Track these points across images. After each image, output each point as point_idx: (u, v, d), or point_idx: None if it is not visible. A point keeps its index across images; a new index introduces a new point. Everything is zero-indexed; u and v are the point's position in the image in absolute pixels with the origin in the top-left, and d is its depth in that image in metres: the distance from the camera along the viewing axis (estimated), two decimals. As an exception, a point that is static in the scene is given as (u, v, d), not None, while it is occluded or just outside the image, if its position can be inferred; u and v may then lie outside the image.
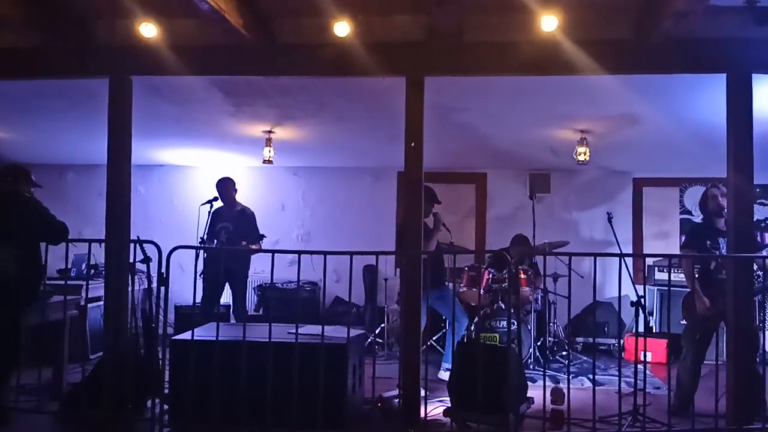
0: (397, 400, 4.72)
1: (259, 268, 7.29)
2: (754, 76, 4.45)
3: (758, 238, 7.50)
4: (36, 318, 4.69)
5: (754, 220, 4.99)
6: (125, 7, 4.46)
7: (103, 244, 4.81)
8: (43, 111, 6.56)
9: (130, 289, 4.76)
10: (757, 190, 7.29)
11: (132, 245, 4.70)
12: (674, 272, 5.90)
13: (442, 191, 8.68)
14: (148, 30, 4.49)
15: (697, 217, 7.32)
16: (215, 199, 6.86)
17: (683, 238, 7.85)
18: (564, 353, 7.01)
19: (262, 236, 6.82)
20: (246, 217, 6.93)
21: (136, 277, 4.86)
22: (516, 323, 5.66)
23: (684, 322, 5.23)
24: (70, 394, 4.85)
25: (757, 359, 4.67)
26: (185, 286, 5.09)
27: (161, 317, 4.53)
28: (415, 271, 4.62)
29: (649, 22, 4.29)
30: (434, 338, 7.47)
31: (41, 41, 4.81)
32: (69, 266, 5.39)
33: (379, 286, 7.93)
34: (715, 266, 4.97)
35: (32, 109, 6.46)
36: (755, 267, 4.82)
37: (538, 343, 6.94)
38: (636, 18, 4.43)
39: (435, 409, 4.75)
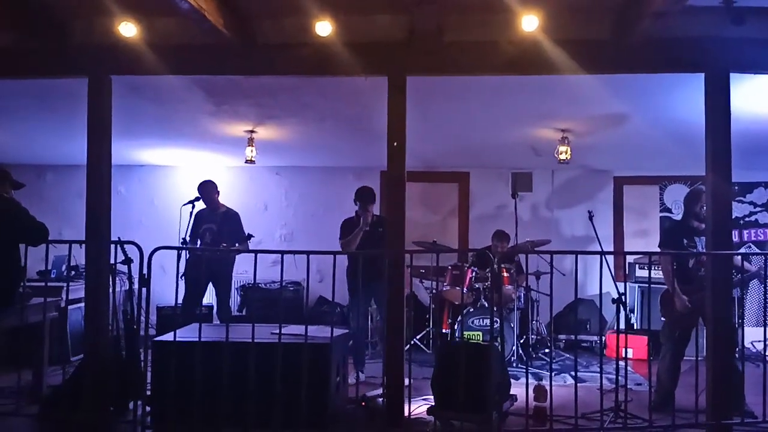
0: (380, 399, 4.73)
1: (242, 269, 7.26)
2: (731, 75, 4.50)
3: (737, 236, 7.59)
4: (15, 320, 4.64)
5: (732, 217, 5.05)
6: (104, 6, 4.40)
7: (83, 245, 4.76)
8: (21, 111, 6.48)
9: (111, 290, 4.72)
10: (735, 188, 7.37)
11: (113, 246, 4.66)
12: (654, 269, 5.96)
13: (425, 190, 8.78)
14: (128, 29, 4.45)
15: (677, 215, 7.41)
16: (197, 199, 6.82)
17: (660, 237, 7.94)
18: (546, 351, 7.06)
19: (250, 236, 6.78)
20: (231, 218, 6.89)
21: (117, 278, 4.82)
22: (499, 321, 5.69)
23: (663, 319, 5.28)
24: (50, 396, 4.81)
25: (736, 355, 4.73)
26: (167, 287, 5.05)
27: (143, 318, 4.50)
28: (399, 270, 4.63)
29: (628, 21, 4.32)
30: (418, 337, 7.49)
31: (18, 41, 4.75)
32: (49, 268, 5.34)
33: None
34: (694, 264, 5.03)
35: (10, 109, 6.37)
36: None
37: (521, 341, 6.98)
38: (615, 18, 4.46)
39: (419, 407, 4.76)
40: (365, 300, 6.19)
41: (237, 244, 6.64)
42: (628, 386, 4.78)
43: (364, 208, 6.07)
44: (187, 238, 6.68)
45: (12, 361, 4.73)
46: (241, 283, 8.18)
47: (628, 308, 5.50)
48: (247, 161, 7.34)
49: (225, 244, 6.51)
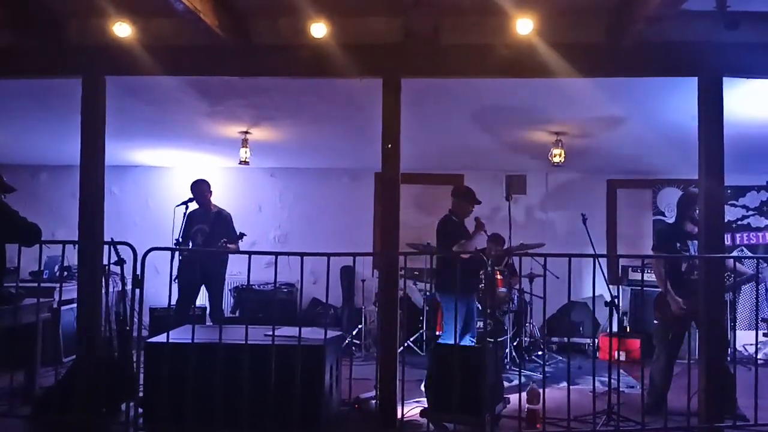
0: (374, 402, 4.72)
1: (235, 270, 7.23)
2: (724, 79, 4.53)
3: (729, 239, 7.62)
4: (8, 320, 4.62)
5: (725, 221, 5.07)
6: (99, 7, 4.40)
7: (76, 246, 4.74)
8: (15, 111, 6.45)
9: (104, 291, 4.71)
10: (728, 191, 7.40)
11: (106, 247, 4.64)
12: (647, 272, 5.98)
13: (419, 193, 8.78)
14: (123, 29, 4.44)
15: (671, 218, 7.43)
16: (191, 200, 6.79)
17: (653, 240, 7.97)
18: (540, 353, 7.07)
19: (242, 235, 6.75)
20: (223, 218, 6.87)
21: (110, 279, 4.80)
22: (492, 324, 5.69)
23: (656, 321, 5.29)
24: (43, 397, 4.78)
25: (728, 358, 4.74)
26: (160, 288, 5.04)
27: (136, 320, 4.48)
28: (393, 272, 4.63)
29: (622, 25, 4.34)
30: (411, 339, 7.49)
31: (13, 40, 4.74)
32: (42, 268, 5.31)
33: (357, 288, 7.93)
34: (686, 268, 5.04)
35: (3, 108, 6.35)
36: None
37: (514, 344, 6.99)
38: (609, 22, 4.48)
39: (412, 409, 4.76)
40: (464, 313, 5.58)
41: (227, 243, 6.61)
42: (621, 389, 4.79)
43: (468, 207, 6.01)
44: (180, 239, 6.65)
45: (4, 362, 4.71)
46: (235, 285, 8.17)
47: (621, 311, 5.52)
48: (241, 162, 7.33)
49: (225, 240, 6.47)
